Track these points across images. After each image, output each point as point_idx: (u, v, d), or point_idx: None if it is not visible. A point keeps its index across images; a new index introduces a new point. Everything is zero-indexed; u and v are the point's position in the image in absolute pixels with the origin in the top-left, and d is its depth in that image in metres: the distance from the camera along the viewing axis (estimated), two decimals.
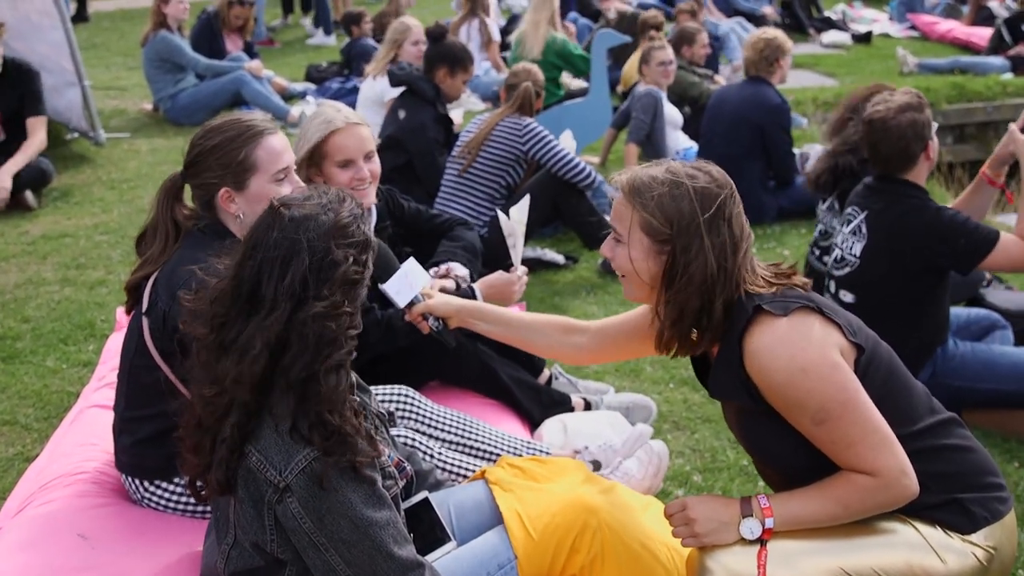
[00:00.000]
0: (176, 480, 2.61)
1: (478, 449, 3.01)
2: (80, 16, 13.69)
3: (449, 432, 3.00)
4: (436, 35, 5.89)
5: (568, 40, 8.48)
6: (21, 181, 6.12)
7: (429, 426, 3.00)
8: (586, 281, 5.25)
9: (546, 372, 3.71)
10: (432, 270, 3.43)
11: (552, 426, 3.36)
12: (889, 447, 2.01)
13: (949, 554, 2.05)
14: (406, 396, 3.02)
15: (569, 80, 8.72)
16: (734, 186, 2.12)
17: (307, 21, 13.74)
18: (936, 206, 3.46)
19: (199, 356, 1.96)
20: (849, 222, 3.62)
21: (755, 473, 3.35)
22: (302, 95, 9.14)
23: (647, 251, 2.10)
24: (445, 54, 5.61)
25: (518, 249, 3.34)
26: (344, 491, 1.87)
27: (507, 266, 3.45)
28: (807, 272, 3.82)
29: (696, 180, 2.08)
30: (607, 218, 5.36)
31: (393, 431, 2.62)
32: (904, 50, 11.40)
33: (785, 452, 2.11)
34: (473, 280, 3.50)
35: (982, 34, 12.29)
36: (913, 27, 13.66)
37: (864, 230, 3.54)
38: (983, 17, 12.74)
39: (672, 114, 6.74)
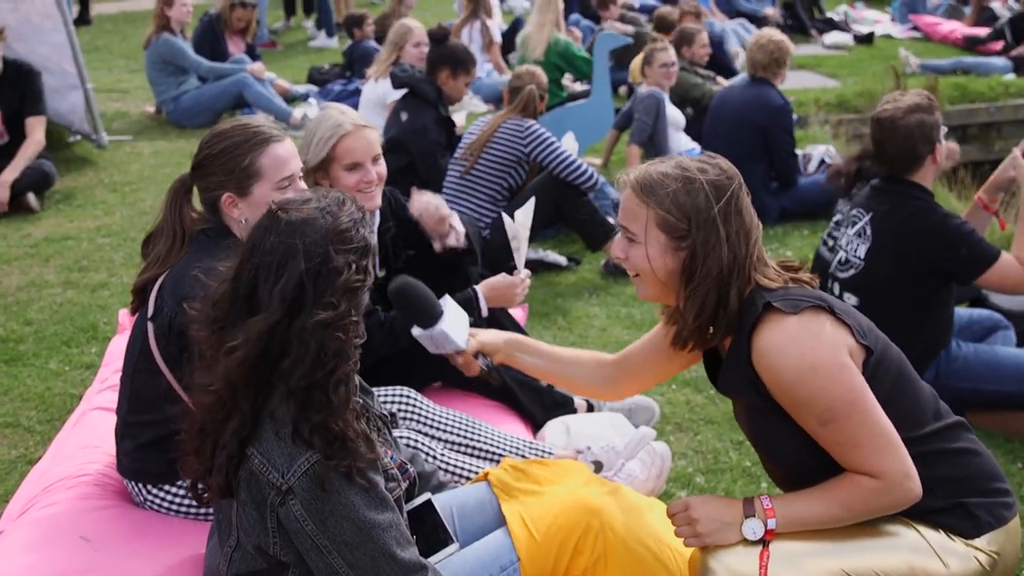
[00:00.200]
0: (179, 483, 2.61)
1: (481, 450, 3.01)
2: (82, 19, 13.70)
3: (451, 433, 3.00)
4: (438, 37, 5.89)
5: (572, 42, 8.48)
6: (23, 183, 6.12)
7: (431, 427, 3.00)
8: (588, 283, 5.25)
9: None
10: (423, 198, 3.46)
11: (555, 427, 3.36)
12: (894, 450, 2.01)
13: (952, 558, 2.05)
14: (408, 397, 3.02)
15: (569, 82, 8.72)
16: (740, 176, 2.12)
17: (309, 23, 13.75)
18: (943, 211, 3.45)
19: (201, 359, 1.96)
20: (854, 224, 3.61)
21: (758, 474, 3.35)
22: (304, 97, 9.13)
23: (664, 248, 2.09)
24: (447, 56, 5.62)
25: (522, 252, 3.34)
26: (347, 493, 1.87)
27: (510, 268, 3.45)
28: (815, 261, 3.81)
29: (707, 173, 2.08)
30: (610, 219, 5.36)
31: (395, 433, 2.61)
32: (906, 51, 11.39)
33: (791, 450, 2.11)
34: (475, 281, 3.50)
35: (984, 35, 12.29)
36: (915, 28, 13.66)
37: (869, 232, 3.53)
38: (985, 18, 12.74)
39: (674, 115, 6.74)
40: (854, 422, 1.99)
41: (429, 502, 2.28)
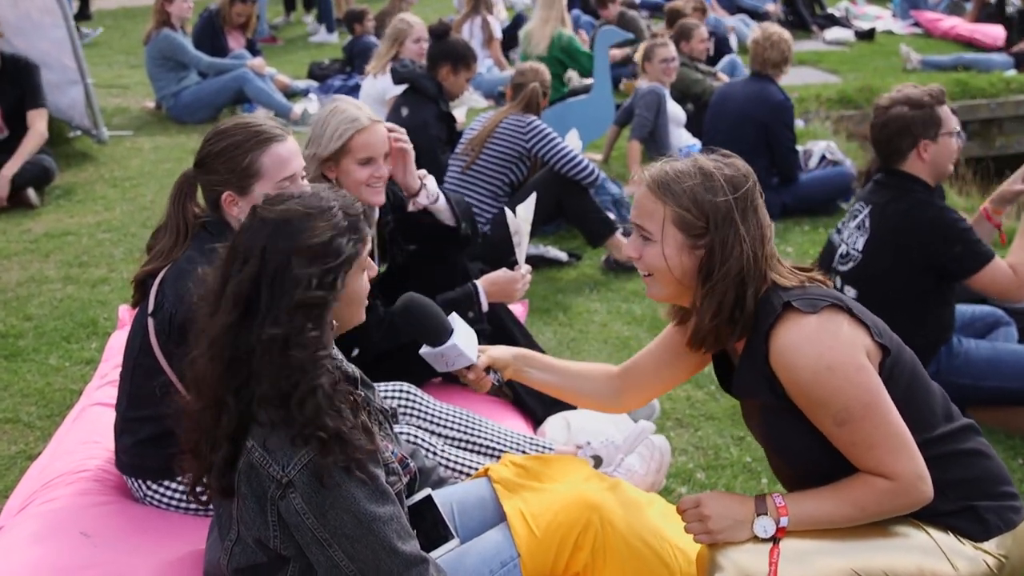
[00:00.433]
0: (178, 479, 2.60)
1: (481, 446, 3.00)
2: (83, 14, 13.68)
3: (452, 429, 3.00)
4: (439, 32, 5.88)
5: (575, 37, 8.48)
6: (23, 179, 6.12)
7: (432, 423, 2.99)
8: (589, 278, 5.25)
9: None
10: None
11: (555, 423, 3.36)
12: (908, 451, 2.00)
13: (960, 560, 2.04)
14: (409, 393, 3.02)
15: (576, 78, 8.71)
16: (754, 174, 2.11)
17: (309, 18, 13.74)
18: (941, 205, 3.45)
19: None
20: (855, 217, 3.61)
21: (758, 471, 3.35)
22: (305, 93, 9.13)
23: (680, 247, 2.07)
24: (448, 52, 5.61)
25: (523, 247, 3.33)
26: (347, 486, 1.86)
27: (511, 264, 3.44)
28: (826, 247, 3.81)
29: (724, 171, 2.07)
30: (610, 215, 5.36)
31: (396, 428, 2.61)
32: (907, 47, 11.38)
33: (804, 450, 2.10)
34: (475, 276, 3.49)
35: (986, 31, 12.27)
36: (916, 24, 13.64)
37: (867, 224, 3.53)
38: (987, 14, 12.72)
39: (675, 111, 6.73)
40: (870, 423, 1.98)
41: (429, 497, 2.28)
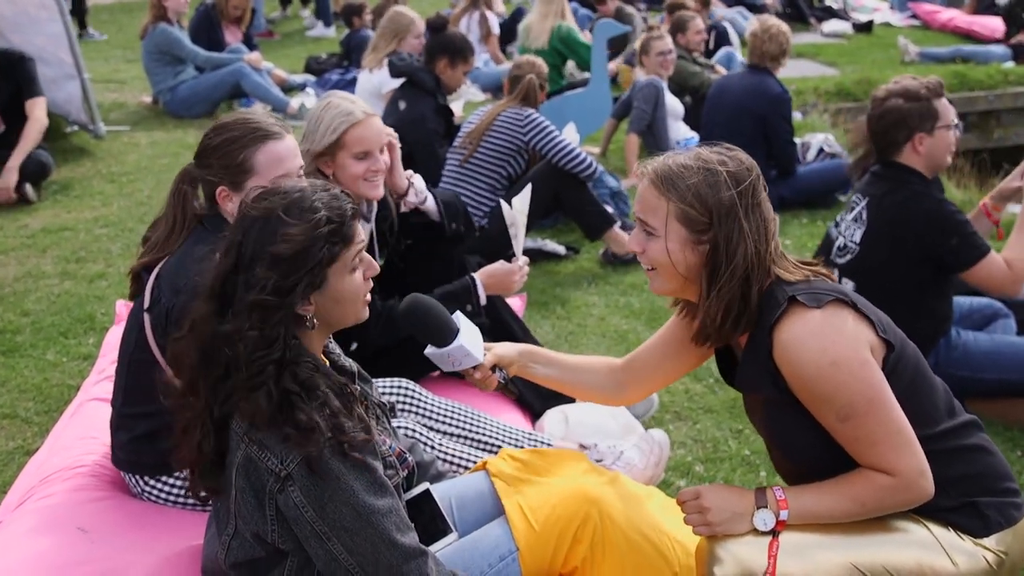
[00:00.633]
0: (176, 474, 2.60)
1: (479, 441, 3.00)
2: (78, 9, 13.65)
3: (450, 424, 2.99)
4: (437, 26, 5.87)
5: (573, 28, 8.46)
6: (21, 174, 6.10)
7: (430, 418, 2.99)
8: (587, 272, 5.25)
9: None
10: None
11: (553, 417, 3.35)
12: (910, 448, 2.00)
13: (960, 556, 2.04)
14: (407, 389, 3.01)
15: (576, 72, 8.70)
16: (758, 167, 2.10)
17: (306, 12, 13.72)
18: (939, 197, 3.45)
19: None
20: (852, 209, 3.61)
21: (757, 463, 3.35)
22: (302, 87, 9.11)
23: (684, 242, 2.05)
24: (446, 45, 5.59)
25: (520, 239, 3.32)
26: (346, 479, 1.86)
27: (508, 257, 3.44)
28: (824, 240, 3.81)
29: (727, 165, 2.04)
30: (608, 209, 5.35)
31: (394, 422, 2.61)
32: (905, 39, 11.37)
33: (806, 445, 2.09)
34: (473, 270, 3.48)
35: (984, 22, 12.27)
36: (914, 16, 13.65)
37: (865, 216, 3.53)
38: (985, 5, 12.72)
39: (673, 104, 6.73)
40: (872, 419, 1.97)
41: (427, 492, 2.27)
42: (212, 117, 8.04)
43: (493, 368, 2.38)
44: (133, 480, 2.66)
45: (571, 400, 3.47)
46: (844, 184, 6.22)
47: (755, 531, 2.03)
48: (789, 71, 7.61)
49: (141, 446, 2.58)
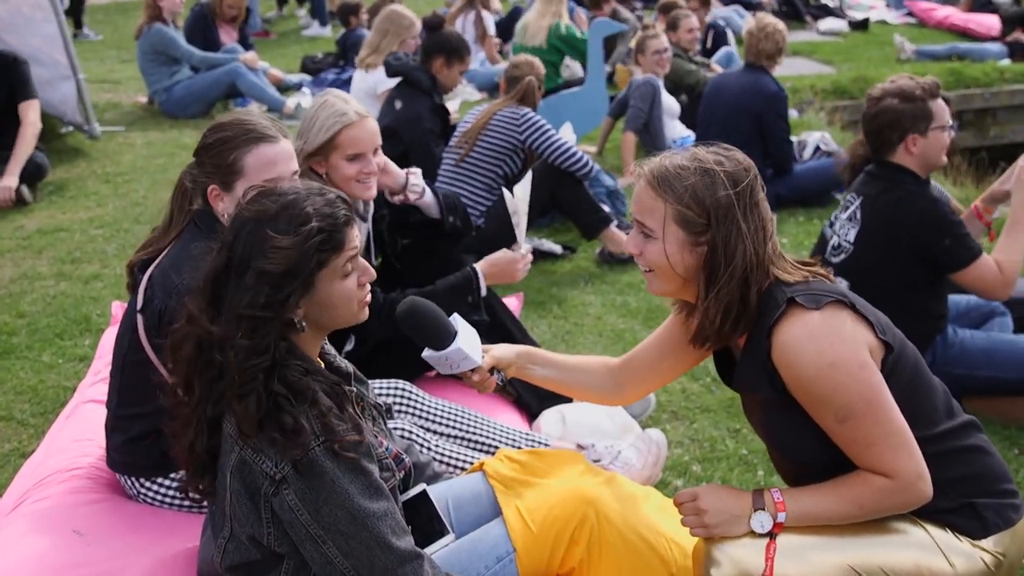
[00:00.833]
0: (171, 476, 2.60)
1: (476, 442, 2.99)
2: (75, 8, 13.63)
3: (447, 425, 2.98)
4: (433, 25, 5.86)
5: (571, 25, 8.46)
6: (22, 167, 6.08)
7: (427, 419, 2.98)
8: (584, 271, 5.24)
9: None
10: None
11: (550, 417, 3.35)
12: (909, 450, 1.99)
13: (958, 557, 2.03)
14: (404, 390, 3.00)
15: (575, 66, 8.69)
16: (756, 167, 2.08)
17: (302, 12, 13.71)
18: (933, 197, 3.44)
19: None
20: (846, 208, 3.61)
21: (754, 463, 3.34)
22: (298, 86, 9.10)
23: (682, 244, 2.04)
24: (442, 44, 5.58)
25: (522, 227, 3.30)
26: (340, 482, 1.85)
27: (511, 245, 3.42)
28: (819, 239, 3.81)
29: (724, 165, 2.03)
30: (605, 208, 5.34)
31: (391, 424, 2.60)
32: (901, 37, 11.38)
33: (805, 446, 2.09)
34: (474, 261, 3.47)
35: (980, 20, 12.28)
36: (910, 13, 13.66)
37: (859, 216, 3.53)
38: (980, 3, 12.73)
39: (669, 103, 6.72)
40: (871, 421, 1.96)
41: (424, 493, 2.27)
42: (208, 117, 8.03)
43: (491, 370, 2.36)
44: (129, 482, 2.65)
45: (568, 400, 3.47)
46: (840, 182, 6.21)
47: (752, 533, 2.02)
48: (785, 69, 7.62)
49: (136, 448, 2.57)
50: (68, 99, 7.23)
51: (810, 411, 2.02)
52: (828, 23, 12.92)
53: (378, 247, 3.49)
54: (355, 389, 2.11)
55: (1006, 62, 10.90)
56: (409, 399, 2.98)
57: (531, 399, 3.42)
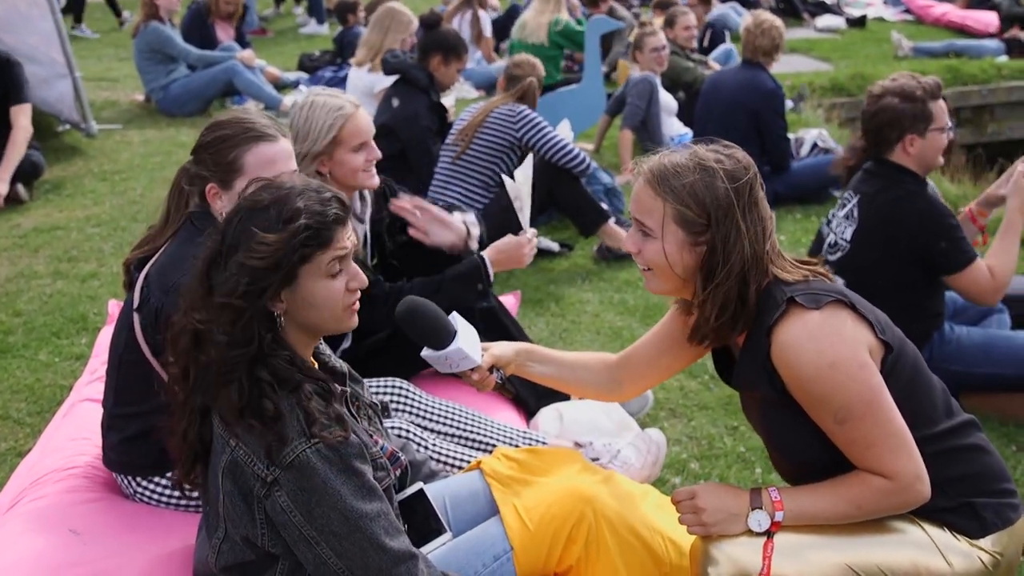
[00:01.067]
0: (168, 475, 2.59)
1: (474, 440, 2.99)
2: (71, 7, 13.61)
3: (444, 423, 2.98)
4: (430, 23, 5.85)
5: (569, 20, 8.46)
6: (12, 174, 6.07)
7: (424, 418, 2.97)
8: (581, 268, 5.24)
9: None
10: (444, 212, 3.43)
11: (548, 415, 3.34)
12: (907, 451, 1.99)
13: (955, 557, 2.03)
14: (401, 388, 3.00)
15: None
16: (755, 165, 2.07)
17: (299, 10, 13.70)
18: (931, 198, 3.44)
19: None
20: (844, 206, 3.60)
21: (752, 460, 3.34)
22: (295, 84, 9.09)
23: (681, 244, 2.03)
24: (440, 42, 5.58)
25: (525, 212, 3.28)
26: (333, 483, 1.85)
27: (516, 230, 3.41)
28: (816, 237, 3.81)
29: (723, 164, 2.02)
30: (603, 205, 5.34)
31: (387, 423, 2.59)
32: (899, 34, 11.38)
33: (804, 445, 2.08)
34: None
35: (977, 17, 12.27)
36: (908, 11, 13.65)
37: (856, 214, 3.52)
38: (978, 0, 12.72)
39: (667, 100, 6.72)
40: (870, 421, 1.96)
41: (421, 491, 2.26)
42: (205, 115, 8.02)
43: (491, 369, 2.35)
44: (125, 481, 2.64)
45: (566, 397, 3.46)
46: (838, 179, 6.20)
47: (750, 532, 2.02)
48: (783, 66, 7.61)
49: (132, 447, 2.57)
50: (65, 97, 7.22)
51: (809, 411, 2.01)
52: (826, 20, 12.92)
53: (375, 248, 3.48)
54: (349, 388, 2.10)
55: (1004, 59, 10.90)
56: (406, 398, 2.98)
57: (529, 396, 3.41)
